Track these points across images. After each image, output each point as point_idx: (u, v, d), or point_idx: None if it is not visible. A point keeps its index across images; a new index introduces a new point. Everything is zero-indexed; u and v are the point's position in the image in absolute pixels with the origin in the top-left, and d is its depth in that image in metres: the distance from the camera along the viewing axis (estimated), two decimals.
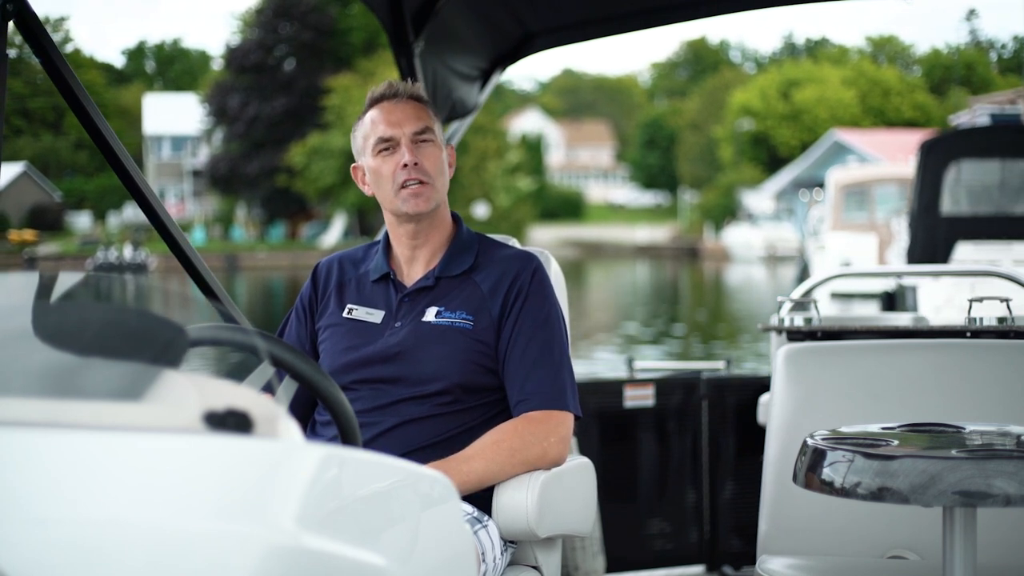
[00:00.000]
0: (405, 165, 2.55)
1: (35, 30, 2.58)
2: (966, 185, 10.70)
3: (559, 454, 2.49)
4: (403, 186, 2.56)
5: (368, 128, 2.61)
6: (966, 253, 9.90)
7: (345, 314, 2.63)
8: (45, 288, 1.46)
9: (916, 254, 10.19)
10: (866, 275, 11.15)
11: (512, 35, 4.31)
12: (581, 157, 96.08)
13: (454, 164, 2.71)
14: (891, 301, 10.71)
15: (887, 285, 11.15)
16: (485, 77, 4.44)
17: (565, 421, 2.51)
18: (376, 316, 2.61)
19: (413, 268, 2.65)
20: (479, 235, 2.71)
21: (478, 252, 2.65)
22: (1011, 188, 10.70)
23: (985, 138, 11.60)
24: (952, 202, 10.54)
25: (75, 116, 2.73)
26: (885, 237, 17.85)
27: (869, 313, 12.50)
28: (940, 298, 9.74)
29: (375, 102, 2.63)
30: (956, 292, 9.67)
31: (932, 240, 10.13)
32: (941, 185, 10.36)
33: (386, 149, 2.58)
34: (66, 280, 1.49)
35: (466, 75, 4.35)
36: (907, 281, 10.43)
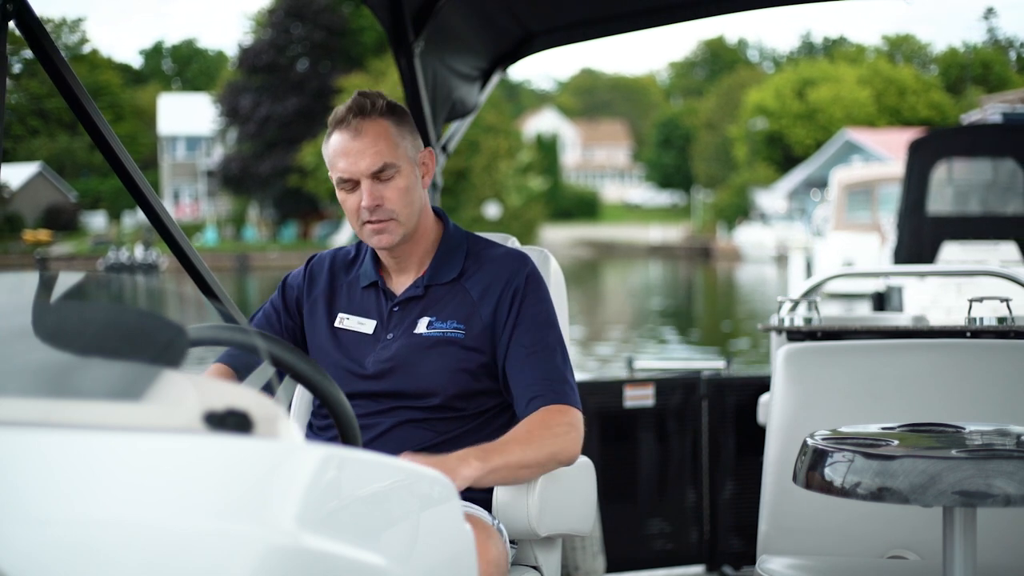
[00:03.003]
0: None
1: (35, 30, 2.58)
2: (954, 184, 10.60)
3: (576, 451, 2.46)
4: (366, 223, 2.49)
5: (330, 156, 2.50)
6: (952, 253, 9.79)
7: (336, 324, 2.60)
8: (45, 287, 1.47)
9: (902, 254, 10.10)
10: (862, 275, 11.07)
11: (512, 35, 4.32)
12: (597, 157, 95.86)
13: (432, 168, 2.60)
14: (881, 301, 10.62)
15: (877, 285, 11.07)
16: (485, 77, 4.45)
17: (580, 417, 2.49)
18: (368, 326, 2.57)
19: (402, 277, 2.61)
20: (468, 234, 2.65)
21: (467, 254, 2.60)
22: (999, 188, 10.58)
23: (973, 137, 11.47)
24: (939, 202, 10.44)
25: (76, 116, 2.71)
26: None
27: (862, 313, 12.44)
28: (926, 299, 9.65)
29: (336, 124, 2.49)
30: (942, 293, 9.57)
31: (918, 240, 10.02)
32: (928, 185, 10.27)
33: (346, 184, 2.49)
34: (66, 280, 1.49)
35: (466, 75, 4.35)
36: (893, 282, 10.34)
